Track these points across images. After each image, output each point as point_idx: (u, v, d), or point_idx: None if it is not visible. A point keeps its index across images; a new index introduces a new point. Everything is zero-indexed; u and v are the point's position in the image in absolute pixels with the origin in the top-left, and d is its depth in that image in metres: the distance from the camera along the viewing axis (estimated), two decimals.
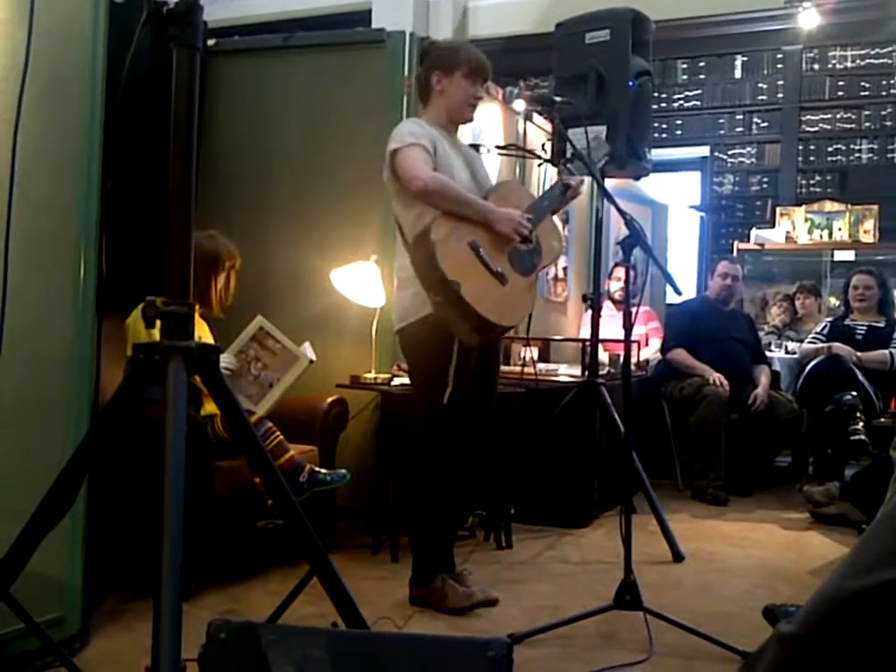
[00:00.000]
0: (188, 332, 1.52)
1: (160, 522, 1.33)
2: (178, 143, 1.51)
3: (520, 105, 4.35)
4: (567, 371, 4.40)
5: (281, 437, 3.19)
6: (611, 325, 4.88)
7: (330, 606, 1.68)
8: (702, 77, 7.33)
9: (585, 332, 5.19)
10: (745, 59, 7.21)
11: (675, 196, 7.29)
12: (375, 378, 3.71)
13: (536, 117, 4.96)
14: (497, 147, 3.92)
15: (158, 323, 1.53)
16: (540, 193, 3.26)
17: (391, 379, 3.68)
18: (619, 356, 4.57)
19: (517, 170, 4.87)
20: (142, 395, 1.56)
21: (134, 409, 1.60)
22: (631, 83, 3.78)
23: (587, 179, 3.34)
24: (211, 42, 4.03)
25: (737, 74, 7.25)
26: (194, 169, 1.52)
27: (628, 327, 2.69)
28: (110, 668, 2.19)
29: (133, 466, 2.86)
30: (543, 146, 3.64)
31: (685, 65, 7.37)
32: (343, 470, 3.35)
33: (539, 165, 4.93)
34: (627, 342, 2.73)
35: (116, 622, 2.65)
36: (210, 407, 3.11)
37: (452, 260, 2.70)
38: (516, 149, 4.20)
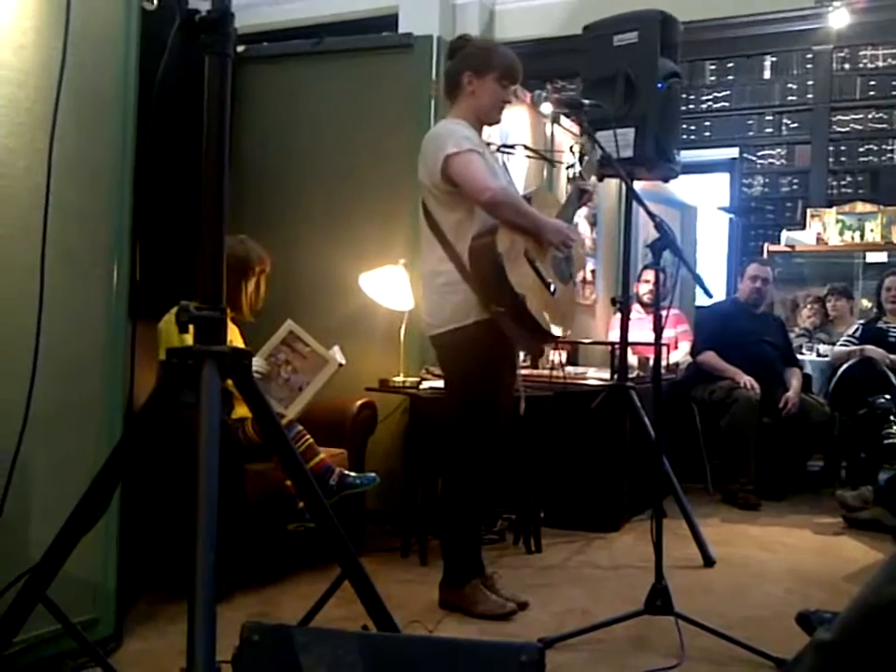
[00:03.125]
0: (221, 337, 1.53)
1: (194, 524, 1.34)
2: (210, 149, 1.53)
3: (548, 107, 4.35)
4: (595, 375, 4.38)
5: (311, 440, 3.21)
6: (640, 328, 4.86)
7: (360, 608, 1.69)
8: (731, 77, 7.28)
9: (613, 335, 5.16)
10: (774, 59, 7.15)
11: (704, 198, 7.24)
12: (404, 382, 3.72)
13: (563, 119, 4.95)
14: (526, 149, 3.92)
15: (191, 328, 1.54)
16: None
17: (420, 382, 3.69)
18: (648, 359, 4.55)
19: (545, 173, 4.86)
20: (175, 399, 1.57)
21: (168, 413, 1.62)
22: (660, 85, 3.76)
23: (613, 182, 3.35)
24: (240, 48, 4.07)
25: (767, 74, 7.19)
26: (227, 175, 1.53)
27: (658, 330, 2.68)
28: (144, 669, 2.22)
29: (166, 468, 2.89)
30: (571, 148, 3.63)
31: (713, 66, 7.32)
32: (373, 474, 3.36)
33: (569, 168, 4.91)
34: (657, 345, 2.72)
35: (148, 623, 2.68)
36: (241, 410, 3.13)
37: (518, 273, 2.73)
38: (543, 153, 4.19)
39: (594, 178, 3.20)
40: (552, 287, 2.85)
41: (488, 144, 3.18)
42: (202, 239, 1.54)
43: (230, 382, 1.59)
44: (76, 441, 2.34)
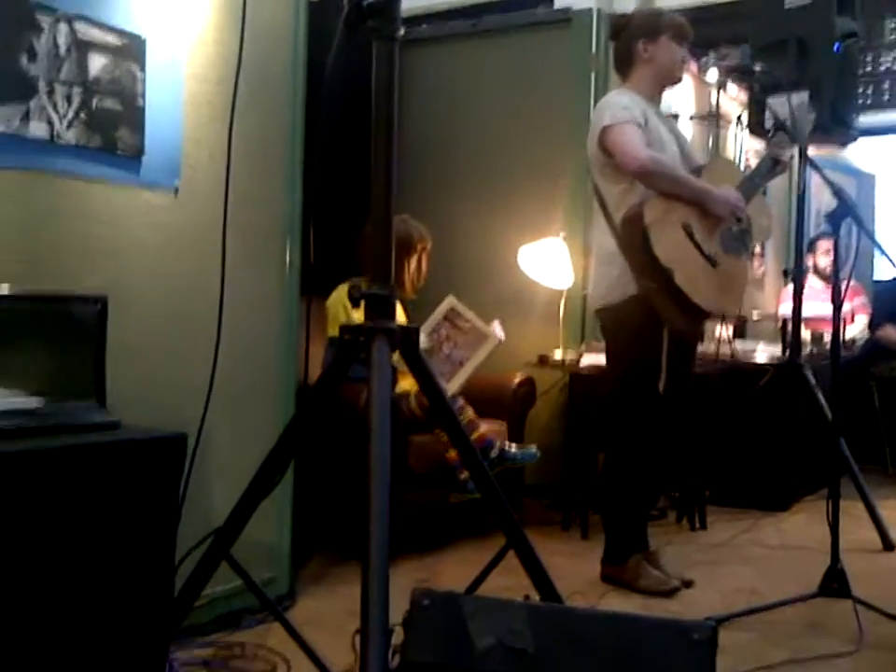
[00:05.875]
0: (390, 313, 1.58)
1: (366, 493, 1.39)
2: (379, 132, 1.57)
3: (714, 74, 4.19)
4: (765, 350, 4.22)
5: (472, 414, 3.26)
6: (814, 301, 4.63)
7: (520, 579, 1.71)
8: None
9: (784, 309, 4.95)
10: None
11: (882, 164, 6.78)
12: (563, 358, 3.71)
13: (729, 86, 4.76)
14: (693, 118, 3.80)
15: (361, 304, 1.59)
16: (743, 168, 3.12)
17: (579, 358, 3.66)
18: (822, 334, 4.34)
19: (709, 142, 4.69)
20: (346, 374, 1.64)
21: (339, 387, 1.68)
22: (836, 47, 3.55)
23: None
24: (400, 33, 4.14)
25: None
26: (395, 158, 1.57)
27: (838, 303, 2.53)
28: (316, 628, 2.31)
29: (336, 438, 3.02)
30: (739, 117, 3.49)
31: (894, 24, 6.82)
32: (534, 449, 3.38)
33: (735, 136, 4.73)
34: (837, 319, 2.56)
35: (320, 584, 2.81)
36: (404, 384, 3.21)
37: (666, 245, 2.65)
38: (710, 118, 4.05)
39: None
40: (713, 261, 2.74)
41: (675, 116, 3.11)
42: (371, 219, 1.59)
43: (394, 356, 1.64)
44: (253, 414, 2.48)
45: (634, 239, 2.69)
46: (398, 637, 1.46)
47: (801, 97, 3.28)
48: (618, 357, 2.92)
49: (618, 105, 2.79)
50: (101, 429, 1.62)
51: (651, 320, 2.75)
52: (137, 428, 1.68)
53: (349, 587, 2.70)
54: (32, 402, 1.61)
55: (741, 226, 2.83)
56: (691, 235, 2.70)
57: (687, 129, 4.18)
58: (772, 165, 2.96)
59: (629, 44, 2.91)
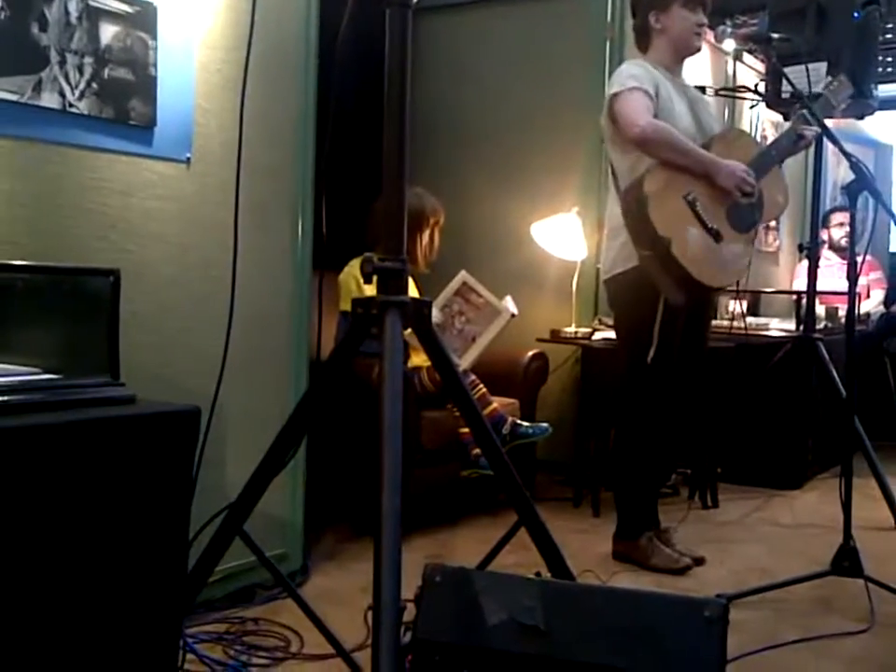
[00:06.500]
0: (402, 287, 1.57)
1: (378, 468, 1.39)
2: (392, 102, 1.54)
3: (730, 44, 4.13)
4: (779, 325, 4.19)
5: (484, 389, 3.25)
6: (828, 276, 4.60)
7: (531, 556, 1.71)
8: None
9: (798, 284, 4.91)
10: None
11: None
12: (576, 332, 3.69)
13: (746, 57, 4.69)
14: (712, 90, 3.74)
15: (374, 278, 1.58)
16: (760, 141, 3.07)
17: (592, 333, 3.65)
18: (837, 309, 4.30)
19: (726, 113, 4.63)
20: (359, 347, 1.63)
21: (352, 361, 1.67)
22: (856, 14, 3.48)
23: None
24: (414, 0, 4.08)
25: None
26: (407, 129, 1.55)
27: (853, 277, 2.50)
28: (329, 604, 2.33)
29: (348, 412, 3.01)
30: (756, 87, 3.43)
31: None
32: (545, 424, 3.37)
33: (752, 107, 4.66)
34: (852, 294, 2.53)
35: (332, 560, 2.82)
36: (417, 360, 3.21)
37: (663, 214, 2.62)
38: (729, 91, 3.99)
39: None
40: (716, 234, 2.69)
41: (702, 88, 3.05)
42: (383, 192, 1.57)
43: (406, 332, 1.62)
44: (266, 388, 2.48)
45: (632, 208, 2.67)
46: (410, 614, 1.46)
47: (818, 66, 3.22)
48: (621, 328, 2.95)
49: (626, 74, 2.78)
50: (115, 404, 1.61)
51: (647, 291, 2.73)
52: (150, 402, 1.67)
53: (361, 563, 2.72)
54: (45, 376, 1.61)
55: (750, 199, 2.79)
56: (693, 205, 2.67)
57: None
58: (796, 140, 2.91)
59: (642, 17, 2.88)
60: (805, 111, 2.87)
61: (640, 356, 2.80)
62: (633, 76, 2.75)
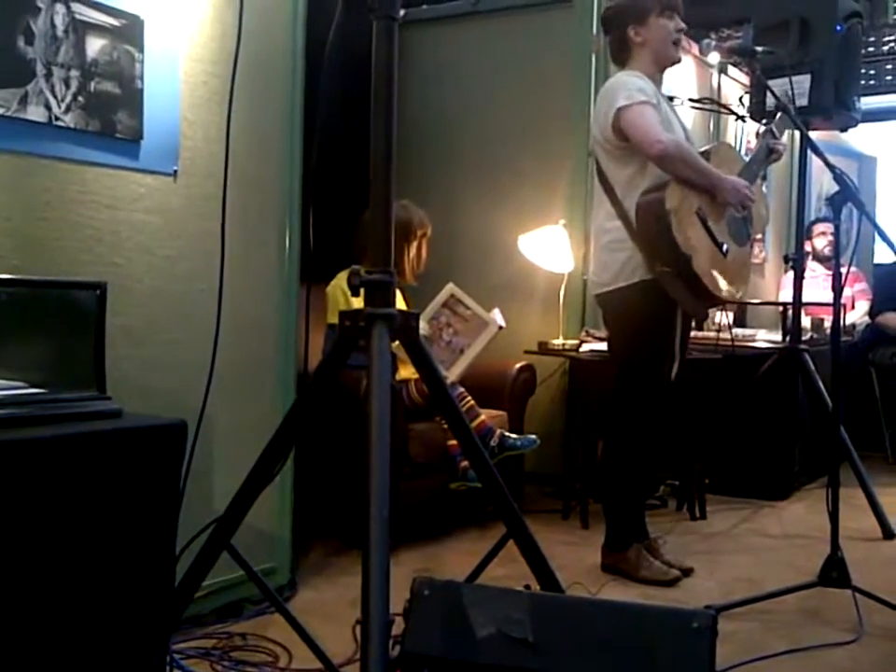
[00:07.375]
0: (390, 300, 1.56)
1: (366, 482, 1.38)
2: (379, 114, 1.54)
3: (715, 57, 4.16)
4: (765, 337, 4.21)
5: (472, 402, 3.25)
6: (814, 287, 4.62)
7: (521, 568, 1.70)
8: None
9: (784, 295, 4.94)
10: None
11: (884, 148, 6.74)
12: (563, 344, 3.70)
13: (730, 70, 4.73)
14: (692, 101, 3.77)
15: (361, 291, 1.58)
16: (744, 154, 3.11)
17: (579, 345, 3.65)
18: (822, 320, 4.33)
19: (711, 126, 4.67)
20: (346, 360, 1.62)
21: (339, 374, 1.67)
22: (839, 27, 3.52)
23: (787, 132, 3.16)
24: (401, 12, 4.10)
25: None
26: (395, 141, 1.55)
27: (838, 289, 2.52)
28: (317, 618, 2.32)
29: (336, 425, 3.00)
30: (741, 99, 3.47)
31: None
32: (533, 436, 3.37)
33: (736, 121, 4.70)
34: (837, 305, 2.55)
35: (321, 574, 2.81)
36: (405, 372, 3.20)
37: (685, 232, 2.65)
38: (711, 103, 4.02)
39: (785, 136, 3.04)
40: (724, 248, 2.74)
41: (670, 98, 3.08)
42: (371, 205, 1.57)
43: (394, 344, 1.62)
44: (253, 400, 2.47)
45: (650, 224, 2.67)
46: (398, 627, 1.45)
47: (802, 79, 3.26)
48: (626, 343, 2.89)
49: (633, 86, 2.74)
50: (101, 418, 1.61)
51: (662, 305, 2.75)
52: (137, 416, 1.67)
53: (350, 577, 2.71)
54: (31, 391, 1.60)
55: (743, 213, 2.83)
56: (704, 222, 2.70)
57: (687, 113, 4.14)
58: (767, 153, 2.95)
59: (621, 31, 2.86)
60: (772, 126, 2.92)
61: (655, 371, 2.81)
62: (641, 89, 2.73)
